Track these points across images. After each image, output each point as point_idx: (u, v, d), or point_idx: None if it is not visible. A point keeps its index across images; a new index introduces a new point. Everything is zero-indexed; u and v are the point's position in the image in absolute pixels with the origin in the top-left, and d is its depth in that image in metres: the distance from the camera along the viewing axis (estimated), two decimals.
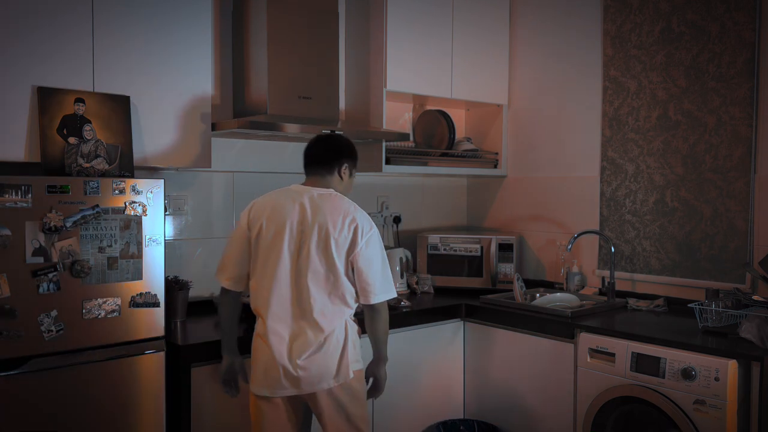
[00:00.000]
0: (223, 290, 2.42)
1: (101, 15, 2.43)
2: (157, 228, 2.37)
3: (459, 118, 3.98)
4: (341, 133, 2.99)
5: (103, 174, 2.35)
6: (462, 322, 3.26)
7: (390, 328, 2.95)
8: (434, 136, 3.77)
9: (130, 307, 2.31)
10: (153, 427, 2.36)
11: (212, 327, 2.76)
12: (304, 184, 2.42)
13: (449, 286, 3.56)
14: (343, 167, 2.40)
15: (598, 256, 3.41)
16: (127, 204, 2.30)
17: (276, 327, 2.25)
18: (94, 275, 2.23)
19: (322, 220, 2.27)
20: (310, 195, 2.33)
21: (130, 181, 2.31)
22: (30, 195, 2.11)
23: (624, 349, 2.60)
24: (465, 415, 3.28)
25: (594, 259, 3.44)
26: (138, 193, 2.32)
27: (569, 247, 3.21)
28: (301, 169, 3.34)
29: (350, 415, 2.30)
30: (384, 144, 3.29)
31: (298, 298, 2.26)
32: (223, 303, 2.43)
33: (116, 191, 2.28)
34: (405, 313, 3.08)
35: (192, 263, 3.02)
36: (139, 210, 2.32)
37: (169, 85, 2.62)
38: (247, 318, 2.55)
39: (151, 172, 2.79)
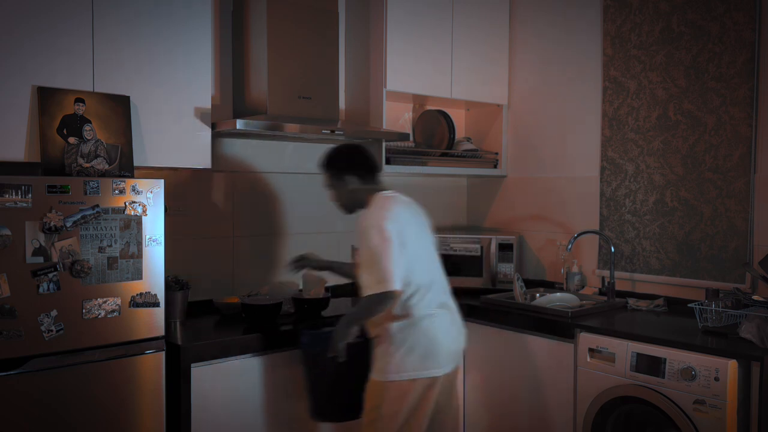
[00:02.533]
0: None
1: (101, 15, 2.43)
2: (157, 228, 2.37)
3: (459, 118, 3.98)
4: (341, 132, 3.00)
5: (103, 174, 2.35)
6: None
7: None
8: (434, 136, 3.77)
9: (130, 307, 2.31)
10: (153, 427, 2.36)
11: (212, 327, 2.76)
12: (382, 190, 2.56)
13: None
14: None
15: (598, 256, 3.41)
16: (127, 204, 2.30)
17: None
18: (94, 275, 2.23)
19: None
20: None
21: (130, 181, 2.31)
22: (30, 195, 2.11)
23: (624, 349, 2.60)
24: (465, 415, 3.28)
25: (594, 259, 3.44)
26: (138, 193, 2.32)
27: (569, 247, 3.21)
28: (302, 169, 3.37)
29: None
30: (384, 144, 3.29)
31: None
32: None
33: (116, 191, 2.28)
34: None
35: (192, 263, 3.01)
36: (139, 210, 2.32)
37: (169, 85, 2.62)
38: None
39: (151, 172, 2.79)
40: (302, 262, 2.90)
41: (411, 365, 2.39)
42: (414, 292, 2.41)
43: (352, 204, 2.60)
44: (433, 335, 2.43)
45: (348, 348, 2.42)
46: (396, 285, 2.33)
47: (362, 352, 2.51)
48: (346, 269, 2.91)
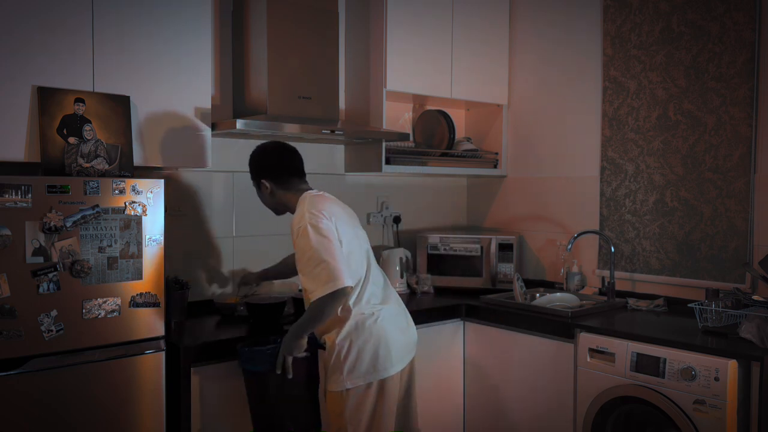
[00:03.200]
0: None
1: (101, 15, 2.43)
2: (157, 228, 2.37)
3: (459, 118, 3.98)
4: (341, 132, 3.00)
5: (103, 174, 2.35)
6: (462, 322, 3.26)
7: None
8: (434, 136, 3.77)
9: (130, 307, 2.31)
10: (153, 427, 2.36)
11: (212, 327, 2.76)
12: (306, 188, 2.53)
13: (449, 286, 3.56)
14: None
15: (598, 256, 3.41)
16: (127, 204, 2.29)
17: None
18: (94, 275, 2.23)
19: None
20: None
21: (130, 181, 2.31)
22: (30, 195, 2.11)
23: (624, 349, 2.60)
24: (465, 415, 3.28)
25: (594, 259, 3.44)
26: (138, 193, 2.32)
27: (569, 247, 3.21)
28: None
29: None
30: (384, 144, 3.29)
31: None
32: None
33: (116, 191, 2.28)
34: None
35: (192, 263, 3.01)
36: (139, 210, 2.32)
37: (169, 85, 2.61)
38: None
39: (151, 172, 2.79)
40: (244, 281, 2.99)
41: (363, 371, 2.32)
42: (353, 290, 2.35)
43: (276, 207, 2.56)
44: (380, 336, 2.35)
45: (294, 363, 2.31)
46: (346, 281, 2.24)
47: (311, 364, 2.41)
48: (282, 267, 2.95)
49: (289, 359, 2.30)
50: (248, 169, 2.58)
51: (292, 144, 3.29)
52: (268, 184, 2.51)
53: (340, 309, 2.33)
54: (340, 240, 2.33)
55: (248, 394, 2.42)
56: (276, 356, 2.31)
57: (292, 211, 2.48)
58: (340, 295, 2.25)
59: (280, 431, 2.38)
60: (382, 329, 2.37)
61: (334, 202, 2.50)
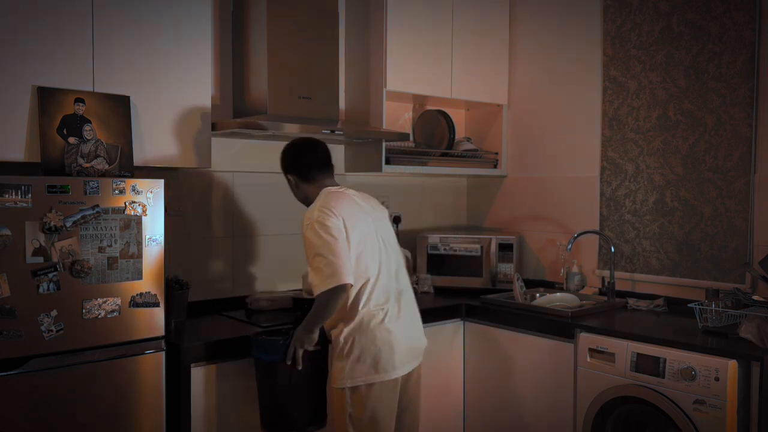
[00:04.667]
0: None
1: (101, 15, 2.43)
2: (157, 228, 2.37)
3: (459, 118, 3.98)
4: (341, 132, 3.00)
5: (103, 174, 2.35)
6: (462, 322, 3.26)
7: None
8: (434, 136, 3.77)
9: (130, 307, 2.31)
10: (153, 427, 2.36)
11: (212, 327, 2.76)
12: (328, 183, 2.55)
13: (449, 286, 3.56)
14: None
15: (598, 256, 3.41)
16: (127, 204, 2.29)
17: None
18: (94, 275, 2.23)
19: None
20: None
21: (130, 181, 2.31)
22: (30, 195, 2.11)
23: (624, 349, 2.60)
24: (465, 415, 3.28)
25: (594, 259, 3.44)
26: (138, 193, 2.32)
27: (569, 247, 3.21)
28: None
29: None
30: (384, 144, 3.29)
31: None
32: None
33: (116, 191, 2.28)
34: None
35: (192, 263, 3.02)
36: (139, 210, 2.32)
37: (169, 85, 2.62)
38: None
39: (151, 172, 2.79)
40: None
41: (363, 372, 2.33)
42: (359, 289, 2.36)
43: (302, 199, 2.61)
44: (383, 340, 2.35)
45: (304, 355, 2.35)
46: (346, 278, 2.28)
47: (321, 359, 2.44)
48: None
49: (300, 351, 2.34)
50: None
51: None
52: (292, 178, 2.58)
53: (348, 306, 2.35)
54: (348, 239, 2.35)
55: (258, 384, 2.47)
56: (288, 347, 2.35)
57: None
58: (339, 291, 2.28)
59: (286, 421, 2.41)
60: (387, 331, 2.37)
61: (352, 200, 2.48)
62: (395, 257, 2.56)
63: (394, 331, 2.39)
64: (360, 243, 2.39)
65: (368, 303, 2.38)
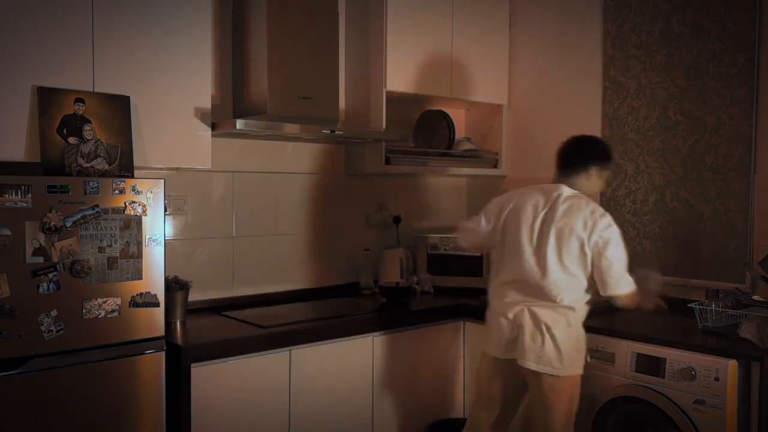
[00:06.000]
0: None
1: (101, 15, 2.43)
2: (157, 228, 2.37)
3: (459, 118, 3.97)
4: (341, 132, 3.00)
5: (103, 174, 2.35)
6: (462, 322, 3.26)
7: (390, 328, 2.98)
8: (434, 136, 3.77)
9: (130, 307, 2.31)
10: (153, 427, 2.36)
11: (212, 327, 2.76)
12: (557, 181, 2.61)
13: (449, 286, 3.56)
14: (591, 169, 2.58)
15: None
16: (127, 204, 2.29)
17: None
18: (94, 275, 2.23)
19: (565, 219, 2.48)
20: (558, 193, 2.54)
21: (130, 181, 2.31)
22: (30, 195, 2.11)
23: (624, 349, 2.60)
24: (465, 415, 3.28)
25: None
26: (138, 193, 2.32)
27: None
28: (301, 169, 3.38)
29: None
30: (384, 144, 3.29)
31: None
32: None
33: (116, 191, 2.28)
34: (405, 313, 3.09)
35: (192, 263, 3.02)
36: (139, 210, 2.32)
37: (169, 85, 2.61)
38: None
39: (151, 172, 2.79)
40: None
41: (582, 361, 2.54)
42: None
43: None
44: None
45: None
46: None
47: None
48: None
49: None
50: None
51: (292, 144, 3.33)
52: (601, 173, 2.65)
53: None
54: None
55: None
56: None
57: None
58: None
59: None
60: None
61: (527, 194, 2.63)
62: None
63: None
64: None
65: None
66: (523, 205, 2.57)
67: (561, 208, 2.49)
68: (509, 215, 2.59)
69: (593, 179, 2.60)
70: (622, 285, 2.48)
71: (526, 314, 2.49)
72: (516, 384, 2.59)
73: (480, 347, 2.71)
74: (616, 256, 2.46)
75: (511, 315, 2.53)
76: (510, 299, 2.54)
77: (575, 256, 2.45)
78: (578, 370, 2.51)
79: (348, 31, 3.44)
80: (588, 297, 2.54)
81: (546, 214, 2.51)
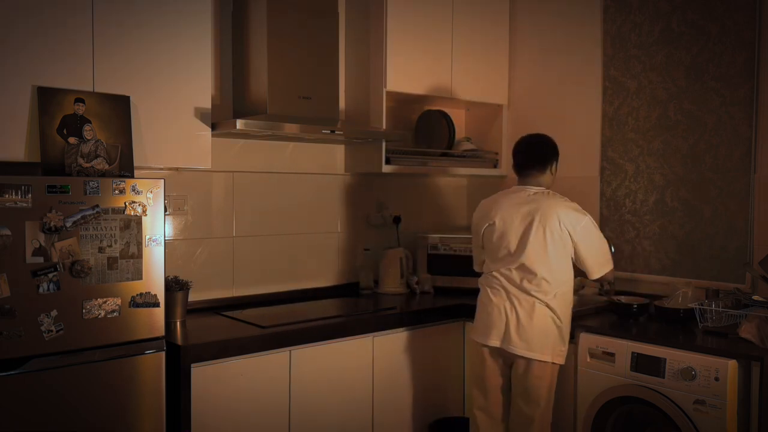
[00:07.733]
0: None
1: (101, 15, 2.43)
2: (157, 228, 2.37)
3: (459, 118, 3.97)
4: (341, 132, 3.00)
5: (103, 174, 2.35)
6: (462, 322, 3.26)
7: (389, 329, 2.98)
8: (434, 136, 3.77)
9: (130, 307, 2.31)
10: (153, 427, 2.36)
11: (212, 327, 2.76)
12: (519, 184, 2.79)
13: (449, 286, 3.56)
14: (551, 165, 2.79)
15: None
16: (127, 204, 2.29)
17: None
18: (94, 275, 2.23)
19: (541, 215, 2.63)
20: (528, 193, 2.72)
21: (130, 181, 2.31)
22: (30, 195, 2.11)
23: (624, 349, 2.60)
24: (465, 414, 3.28)
25: None
26: (138, 193, 2.32)
27: None
28: (301, 169, 3.37)
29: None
30: (384, 144, 3.29)
31: None
32: None
33: (116, 191, 2.28)
34: (405, 313, 3.09)
35: (192, 263, 3.02)
36: (139, 210, 2.32)
37: (169, 85, 2.61)
38: None
39: (151, 172, 2.79)
40: None
41: (564, 350, 2.67)
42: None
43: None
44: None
45: None
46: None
47: None
48: None
49: None
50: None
51: (292, 144, 3.33)
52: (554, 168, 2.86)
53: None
54: None
55: None
56: None
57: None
58: None
59: None
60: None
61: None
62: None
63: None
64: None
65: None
66: (497, 213, 2.76)
67: (535, 205, 2.66)
68: (487, 230, 2.80)
69: (550, 174, 2.80)
70: (605, 267, 2.68)
71: (512, 302, 2.64)
72: (503, 371, 2.74)
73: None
74: (595, 241, 2.65)
75: (497, 303, 2.67)
76: (496, 287, 2.69)
77: (557, 248, 2.60)
78: (560, 359, 2.64)
79: (348, 31, 3.44)
80: (571, 285, 2.70)
81: (524, 213, 2.67)
